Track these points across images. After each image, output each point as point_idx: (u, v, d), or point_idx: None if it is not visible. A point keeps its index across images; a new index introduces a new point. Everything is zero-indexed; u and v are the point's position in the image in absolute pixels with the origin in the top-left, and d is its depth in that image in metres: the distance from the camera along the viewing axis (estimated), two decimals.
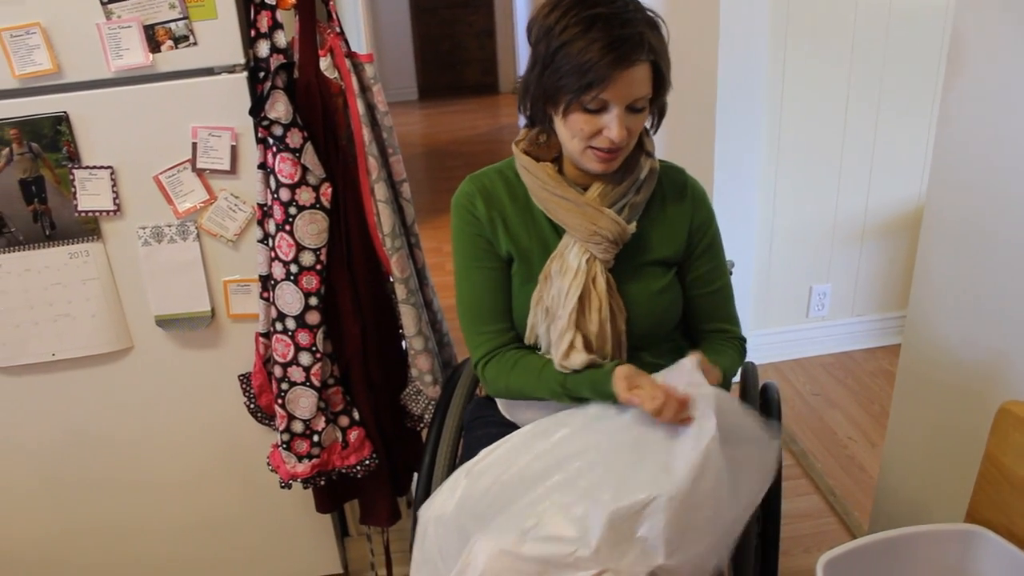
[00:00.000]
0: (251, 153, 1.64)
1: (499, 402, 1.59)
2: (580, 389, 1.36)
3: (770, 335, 3.03)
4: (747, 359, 1.80)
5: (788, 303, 3.02)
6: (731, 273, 1.76)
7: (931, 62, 2.68)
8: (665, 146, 3.05)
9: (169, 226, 1.69)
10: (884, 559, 1.39)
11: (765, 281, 2.96)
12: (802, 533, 2.26)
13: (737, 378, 1.70)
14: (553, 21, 1.27)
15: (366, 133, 1.67)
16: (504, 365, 1.45)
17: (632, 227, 1.39)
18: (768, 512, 1.63)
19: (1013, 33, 1.34)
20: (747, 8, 2.49)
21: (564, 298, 1.37)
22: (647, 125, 1.42)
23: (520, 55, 7.51)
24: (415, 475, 1.93)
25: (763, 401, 1.69)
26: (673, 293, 1.46)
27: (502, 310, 1.47)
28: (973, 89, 1.45)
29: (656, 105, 1.36)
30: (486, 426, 1.57)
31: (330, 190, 1.64)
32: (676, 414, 1.24)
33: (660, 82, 1.31)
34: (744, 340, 1.55)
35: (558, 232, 1.42)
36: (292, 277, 1.65)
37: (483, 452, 1.34)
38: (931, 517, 1.71)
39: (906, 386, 1.78)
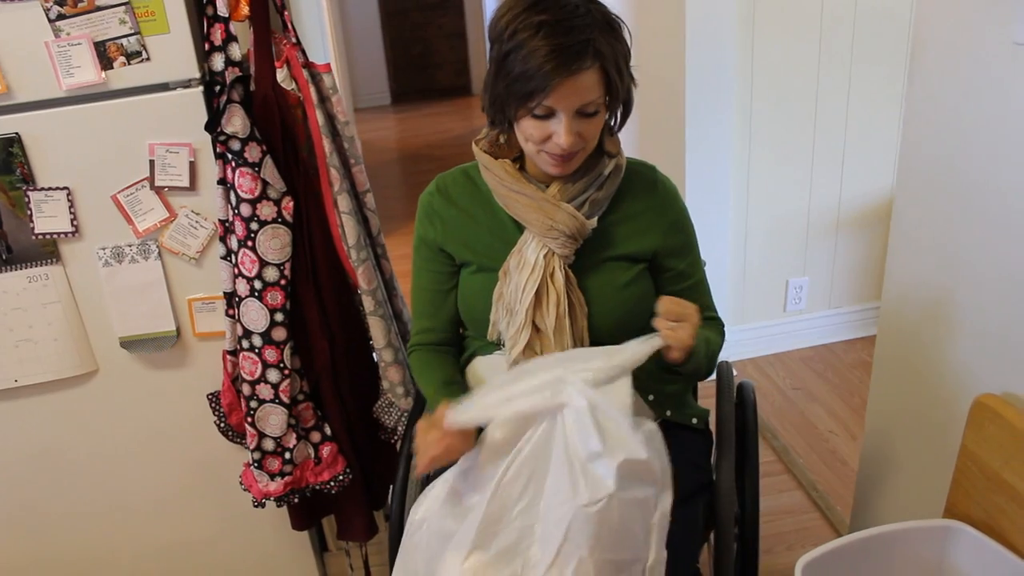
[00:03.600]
0: (210, 169, 1.61)
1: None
2: None
3: (748, 331, 3.03)
4: (723, 358, 1.79)
5: (765, 298, 3.02)
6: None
7: (899, 52, 2.68)
8: (636, 145, 3.04)
9: (130, 246, 1.66)
10: (863, 558, 1.38)
11: (741, 276, 2.95)
12: (785, 530, 2.25)
13: (712, 377, 1.69)
14: (504, 25, 1.25)
15: (327, 144, 1.64)
16: (416, 362, 1.55)
17: (592, 223, 1.38)
18: (747, 511, 1.62)
19: (974, 28, 1.34)
20: (713, 3, 2.48)
21: (521, 293, 1.37)
22: (611, 124, 1.40)
23: None
24: (391, 488, 1.90)
25: (739, 400, 1.68)
26: (641, 287, 1.44)
27: (436, 312, 1.53)
28: (937, 83, 1.45)
29: (614, 106, 1.34)
30: None
31: (292, 204, 1.61)
32: (425, 466, 1.27)
33: (611, 85, 1.28)
34: (723, 325, 1.54)
35: (520, 229, 1.41)
36: (256, 293, 1.62)
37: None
38: (912, 510, 1.70)
39: (882, 380, 1.77)
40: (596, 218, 1.39)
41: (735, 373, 1.79)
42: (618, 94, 1.31)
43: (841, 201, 2.90)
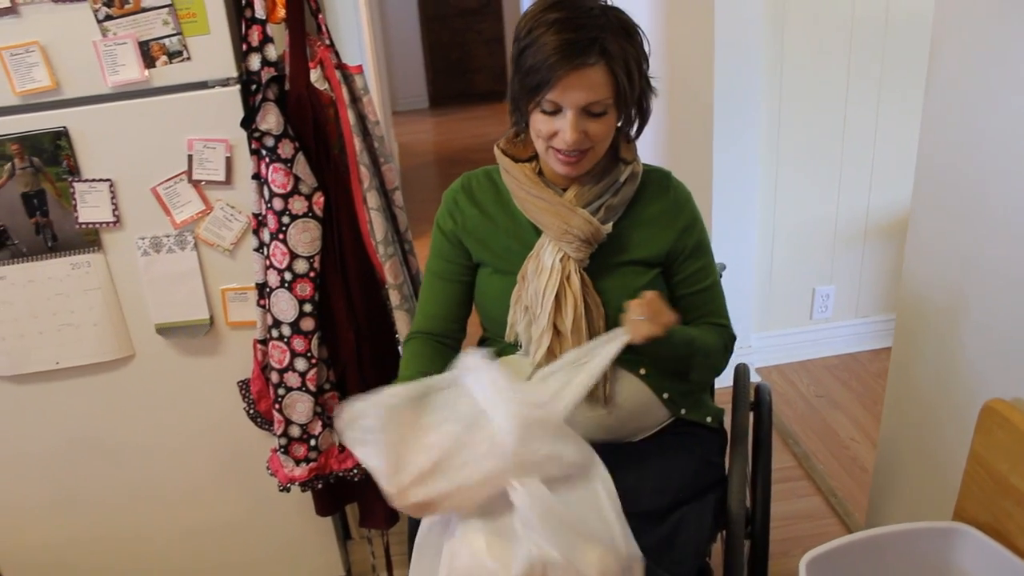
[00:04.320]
0: (245, 164, 1.68)
1: None
2: None
3: (773, 338, 3.04)
4: (741, 360, 1.82)
5: (791, 305, 3.03)
6: (721, 276, 1.78)
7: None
8: (664, 149, 3.07)
9: (167, 236, 1.73)
10: (868, 557, 1.40)
11: (767, 284, 2.96)
12: (802, 534, 2.26)
13: (729, 380, 1.72)
14: (523, 25, 1.31)
15: (357, 142, 1.70)
16: (408, 350, 1.56)
17: (607, 228, 1.41)
18: (758, 509, 1.64)
19: (990, 36, 1.36)
20: (742, 9, 2.51)
21: (541, 298, 1.41)
22: (627, 131, 1.44)
23: None
24: None
25: (755, 401, 1.70)
26: (655, 290, 1.47)
27: (442, 301, 1.56)
28: (954, 91, 1.47)
29: (626, 110, 1.38)
30: None
31: (323, 199, 1.67)
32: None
33: (619, 86, 1.31)
34: (733, 338, 1.56)
35: (538, 232, 1.45)
36: (286, 284, 1.68)
37: None
38: (923, 514, 1.71)
39: (897, 386, 1.79)
40: (611, 223, 1.43)
41: (757, 379, 1.81)
42: (627, 96, 1.34)
43: (869, 210, 2.90)
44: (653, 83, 1.41)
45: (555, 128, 1.33)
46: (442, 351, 1.55)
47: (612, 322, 1.44)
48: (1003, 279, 1.40)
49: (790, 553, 2.19)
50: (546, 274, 1.41)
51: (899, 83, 2.71)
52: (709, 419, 1.58)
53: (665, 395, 1.51)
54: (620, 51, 1.29)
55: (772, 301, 3.00)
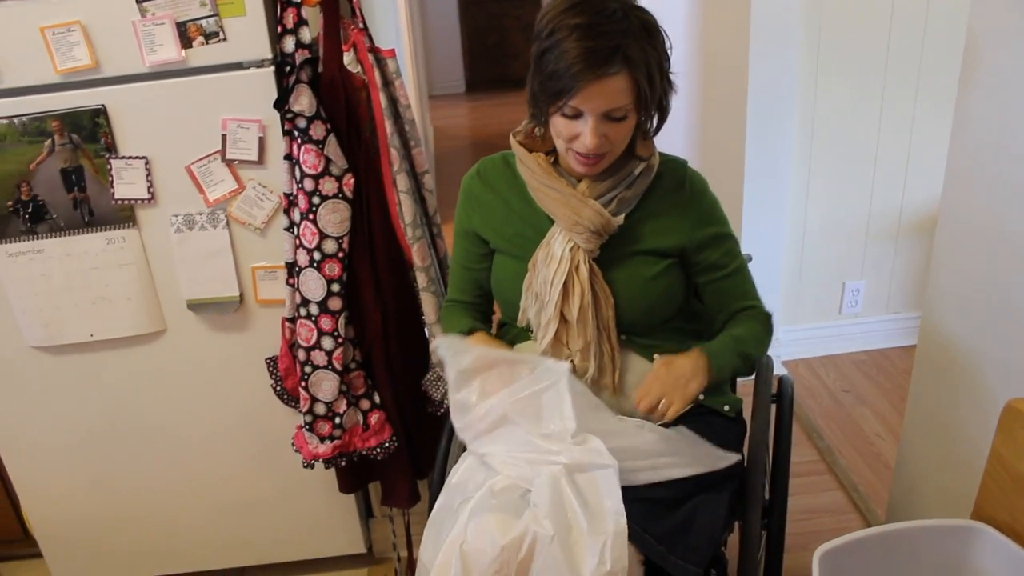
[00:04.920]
0: (278, 144, 1.71)
1: None
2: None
3: (802, 331, 3.02)
4: (770, 354, 1.81)
5: (821, 299, 3.01)
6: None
7: None
8: (698, 138, 3.06)
9: (200, 214, 1.76)
10: (883, 552, 1.39)
11: (797, 277, 2.95)
12: (822, 528, 2.26)
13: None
14: (544, 24, 1.31)
15: (388, 125, 1.72)
16: (447, 312, 1.67)
17: (619, 220, 1.42)
18: (776, 501, 1.65)
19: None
20: (779, 5, 2.49)
21: (550, 287, 1.43)
22: (646, 128, 1.43)
23: None
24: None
25: (777, 394, 1.70)
26: (668, 281, 1.48)
27: (466, 284, 1.63)
28: (988, 92, 1.45)
29: (646, 111, 1.37)
30: None
31: (352, 180, 1.69)
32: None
33: (640, 92, 1.30)
34: (770, 315, 1.56)
35: (551, 220, 1.46)
36: (315, 264, 1.71)
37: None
38: (943, 512, 1.71)
39: (921, 383, 1.78)
40: (623, 215, 1.43)
41: (784, 372, 1.81)
42: (648, 101, 1.33)
43: (903, 206, 2.87)
44: (675, 80, 1.40)
45: (576, 131, 1.33)
46: (475, 315, 1.65)
47: (622, 311, 1.46)
48: None
49: (809, 547, 2.17)
50: (555, 263, 1.43)
51: (937, 81, 2.67)
52: (727, 408, 1.58)
53: None
54: (642, 57, 1.28)
55: (801, 294, 2.98)
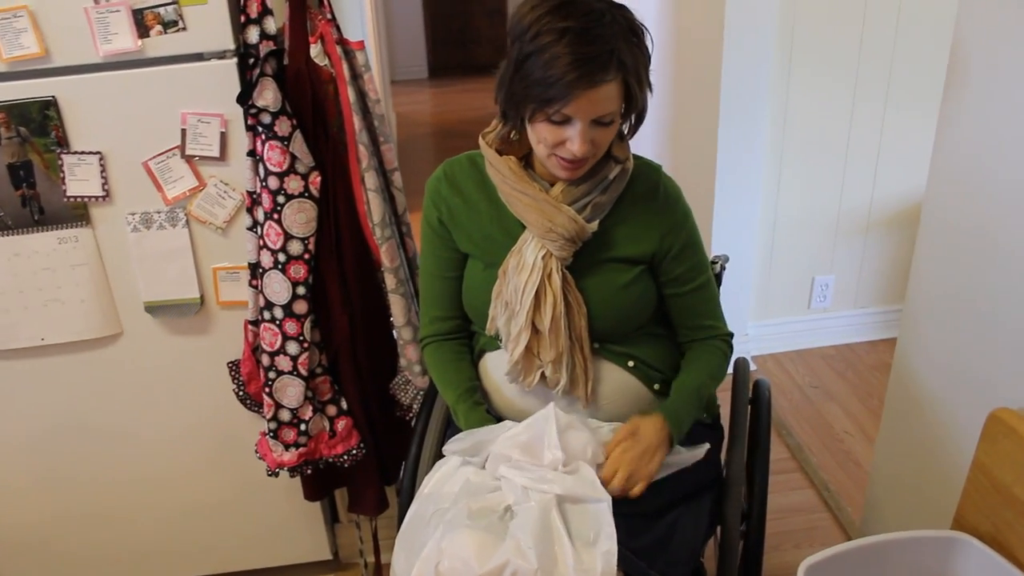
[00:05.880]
0: (241, 140, 1.63)
1: (488, 393, 1.58)
2: (460, 424, 1.48)
3: (771, 326, 3.01)
4: (741, 354, 1.79)
5: (790, 294, 3.00)
6: (724, 268, 1.74)
7: (941, 53, 2.62)
8: (670, 134, 3.02)
9: (158, 212, 1.68)
10: (867, 564, 1.38)
11: (767, 272, 2.93)
12: (794, 528, 2.25)
13: (729, 371, 1.69)
14: (527, 24, 1.24)
15: (357, 121, 1.65)
16: (431, 358, 1.56)
17: (593, 226, 1.37)
18: (754, 509, 1.62)
19: (1014, 39, 1.31)
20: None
21: (521, 295, 1.37)
22: (623, 130, 1.39)
23: None
24: (404, 464, 1.92)
25: (754, 398, 1.67)
26: (639, 288, 1.44)
27: (444, 299, 1.53)
28: (973, 93, 1.43)
29: (629, 115, 1.33)
30: None
31: (319, 179, 1.62)
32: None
33: (631, 96, 1.27)
34: (730, 336, 1.53)
35: (522, 224, 1.41)
36: (280, 266, 1.64)
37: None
38: (921, 518, 1.70)
39: (900, 384, 1.76)
40: (597, 222, 1.38)
41: (753, 368, 1.79)
42: (636, 104, 1.30)
43: (873, 200, 2.87)
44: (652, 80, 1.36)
45: (562, 137, 1.27)
46: (459, 349, 1.55)
47: (595, 319, 1.42)
48: (1014, 285, 1.37)
49: (781, 547, 2.18)
50: (527, 271, 1.37)
51: (910, 75, 2.66)
52: (704, 415, 1.55)
53: (656, 386, 1.48)
54: (632, 61, 1.24)
55: (771, 289, 2.97)
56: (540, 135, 1.29)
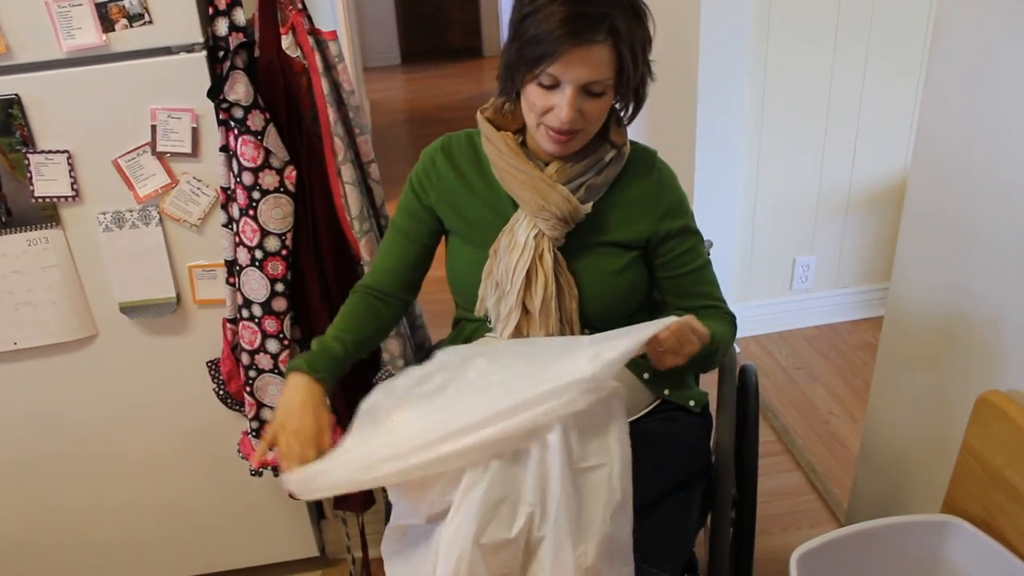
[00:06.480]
0: (213, 135, 1.59)
1: None
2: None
3: (753, 308, 3.01)
4: None
5: (772, 275, 3.00)
6: (709, 253, 1.73)
7: (917, 32, 2.63)
8: (648, 117, 2.99)
9: (130, 211, 1.64)
10: (859, 550, 1.37)
11: (748, 254, 2.93)
12: (782, 511, 2.25)
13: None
14: None
15: (331, 113, 1.62)
16: (348, 304, 1.48)
17: (587, 208, 1.35)
18: (745, 497, 1.62)
19: (996, 13, 1.30)
20: None
21: (512, 275, 1.36)
22: (620, 114, 1.37)
23: (503, 18, 7.38)
24: None
25: (741, 383, 1.66)
26: (632, 274, 1.42)
27: (396, 255, 1.49)
28: (957, 71, 1.41)
29: (625, 94, 1.31)
30: None
31: (295, 173, 1.59)
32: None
33: (623, 67, 1.25)
34: (734, 318, 1.51)
35: (515, 205, 1.39)
36: (257, 263, 1.60)
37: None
38: (911, 501, 1.70)
39: (887, 366, 1.76)
40: (591, 203, 1.37)
41: (738, 351, 1.78)
42: (629, 79, 1.27)
43: (852, 181, 2.86)
44: (653, 68, 1.34)
45: (551, 103, 1.26)
46: (381, 312, 1.49)
47: (585, 303, 1.40)
48: (1007, 263, 1.35)
49: (769, 531, 2.18)
50: (518, 251, 1.36)
51: (886, 55, 2.66)
52: (692, 403, 1.53)
53: (646, 375, 1.47)
54: (628, 32, 1.23)
55: (752, 271, 2.96)
56: (530, 101, 1.28)
